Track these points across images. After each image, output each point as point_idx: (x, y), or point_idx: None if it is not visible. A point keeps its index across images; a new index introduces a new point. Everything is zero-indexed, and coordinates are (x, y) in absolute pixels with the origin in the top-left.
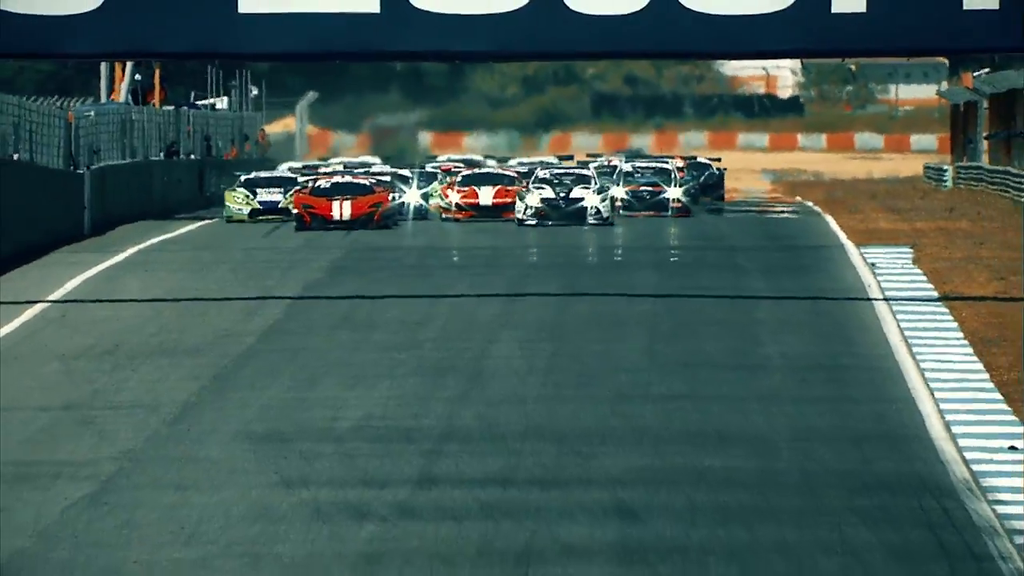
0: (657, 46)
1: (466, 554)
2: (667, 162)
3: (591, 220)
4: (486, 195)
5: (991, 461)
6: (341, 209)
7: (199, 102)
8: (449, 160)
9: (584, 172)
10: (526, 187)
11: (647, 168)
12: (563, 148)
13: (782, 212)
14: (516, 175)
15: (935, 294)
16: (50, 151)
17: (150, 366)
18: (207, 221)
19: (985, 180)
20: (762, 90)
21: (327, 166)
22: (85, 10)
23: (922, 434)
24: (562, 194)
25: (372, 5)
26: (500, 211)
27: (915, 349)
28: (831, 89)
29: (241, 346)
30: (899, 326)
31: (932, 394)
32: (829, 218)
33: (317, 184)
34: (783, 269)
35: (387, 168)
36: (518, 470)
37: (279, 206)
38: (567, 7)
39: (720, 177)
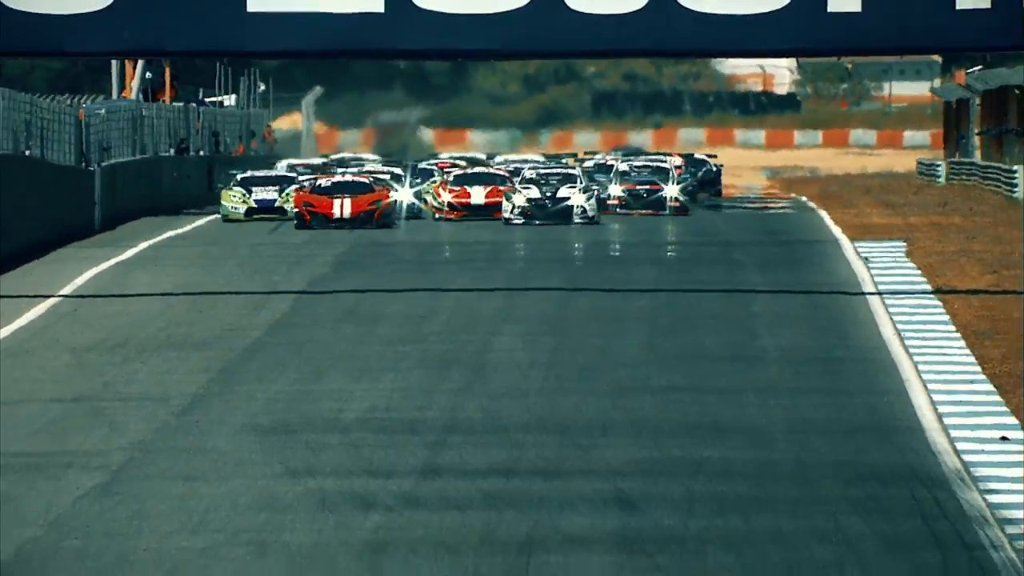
0: (656, 45)
1: (469, 543)
2: (664, 160)
3: (577, 219)
4: (478, 195)
5: (982, 452)
6: (342, 207)
7: (208, 99)
8: (451, 158)
9: (570, 171)
10: (513, 186)
11: (644, 167)
12: (564, 145)
13: (778, 208)
14: (508, 175)
15: (928, 287)
16: (61, 148)
17: (159, 359)
18: (215, 217)
19: (977, 176)
20: (759, 88)
21: (328, 162)
22: (95, 8)
23: (915, 425)
24: (548, 193)
25: (377, 5)
26: (492, 211)
27: (908, 342)
28: (826, 86)
29: (248, 339)
30: (892, 319)
31: (925, 386)
32: (824, 213)
33: (317, 183)
34: (779, 263)
35: (378, 167)
36: (520, 461)
37: (275, 205)
38: (568, 6)
39: (717, 173)
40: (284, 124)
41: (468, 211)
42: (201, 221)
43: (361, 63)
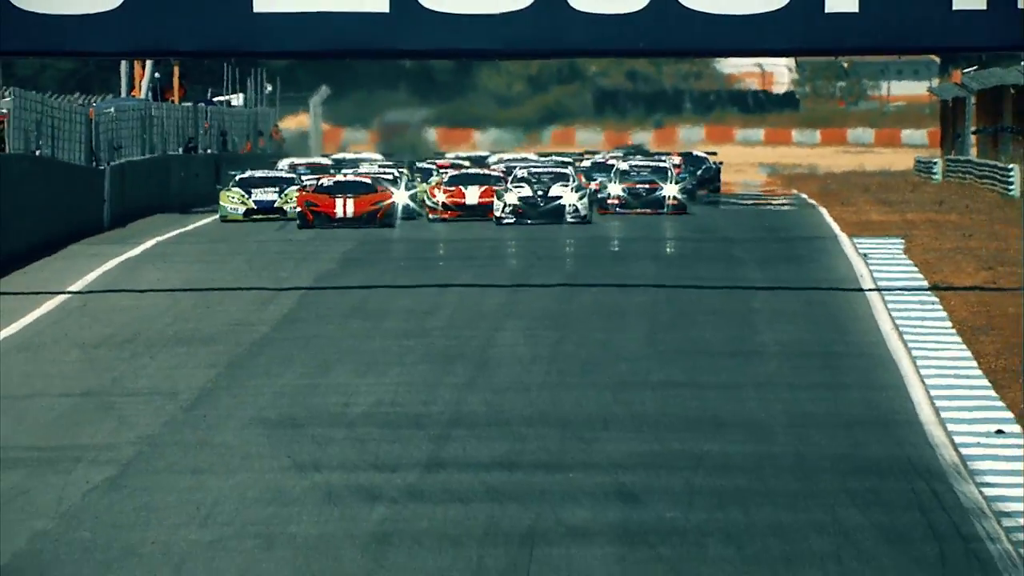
0: (657, 44)
1: (473, 535)
2: (663, 160)
3: (569, 218)
4: (472, 195)
5: (979, 445)
6: (344, 207)
7: (216, 99)
8: (457, 157)
9: (562, 170)
10: (505, 186)
11: (644, 166)
12: (566, 143)
13: (778, 204)
14: (502, 175)
15: (925, 284)
16: (72, 147)
17: (168, 354)
18: None
19: (973, 173)
20: (758, 87)
21: (330, 162)
22: (105, 9)
23: (912, 419)
24: (540, 192)
25: (382, 5)
26: (487, 211)
27: (906, 337)
28: (825, 85)
29: (256, 335)
30: (890, 315)
31: (922, 380)
32: (823, 210)
33: (320, 182)
34: (778, 260)
35: (374, 168)
36: (523, 454)
37: (274, 205)
38: (571, 7)
39: (716, 171)
40: (291, 124)
41: (463, 211)
42: (209, 219)
43: (367, 63)
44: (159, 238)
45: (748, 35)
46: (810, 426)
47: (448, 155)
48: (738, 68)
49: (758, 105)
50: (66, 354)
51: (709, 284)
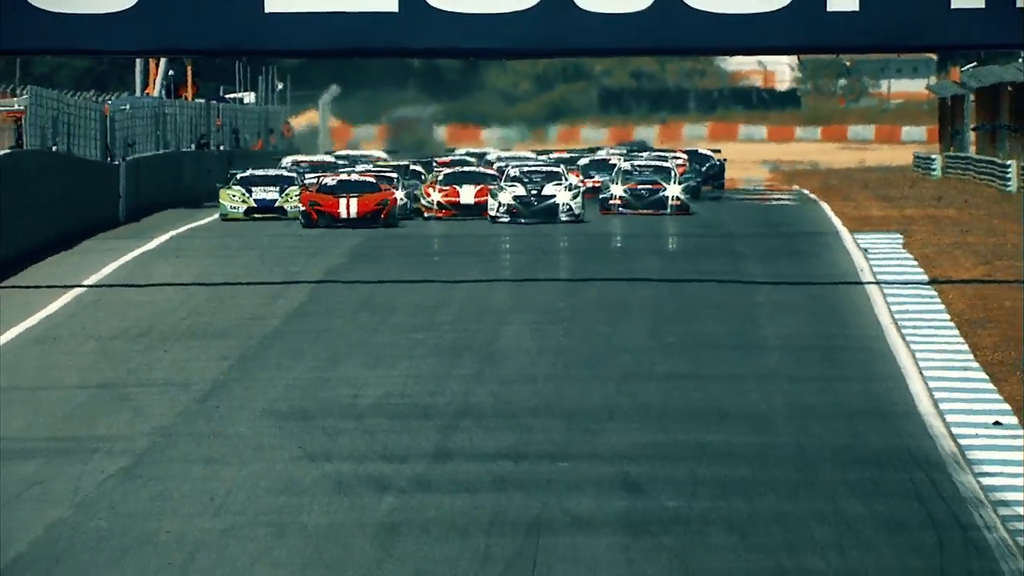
0: (662, 43)
1: (480, 524)
2: (666, 160)
3: (563, 217)
4: (467, 194)
5: (977, 436)
6: (348, 207)
7: (228, 96)
8: (468, 153)
9: (555, 169)
10: (498, 184)
11: (646, 166)
12: (571, 141)
13: (779, 200)
14: (498, 174)
15: (924, 278)
16: (87, 143)
17: (181, 347)
18: None
19: (972, 169)
20: (761, 84)
21: (335, 160)
22: (120, 9)
23: (911, 410)
24: (534, 191)
25: (391, 4)
26: (482, 210)
27: (905, 330)
28: (826, 83)
29: (267, 328)
30: (890, 308)
31: (921, 372)
32: (824, 205)
33: (324, 181)
34: (780, 254)
35: (370, 166)
36: (529, 445)
37: (275, 204)
38: (576, 6)
39: (721, 168)
40: (302, 121)
41: (458, 210)
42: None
43: (376, 62)
44: (173, 233)
45: (751, 34)
46: (811, 417)
47: (458, 151)
48: (741, 66)
49: (761, 103)
50: (82, 347)
51: (712, 278)
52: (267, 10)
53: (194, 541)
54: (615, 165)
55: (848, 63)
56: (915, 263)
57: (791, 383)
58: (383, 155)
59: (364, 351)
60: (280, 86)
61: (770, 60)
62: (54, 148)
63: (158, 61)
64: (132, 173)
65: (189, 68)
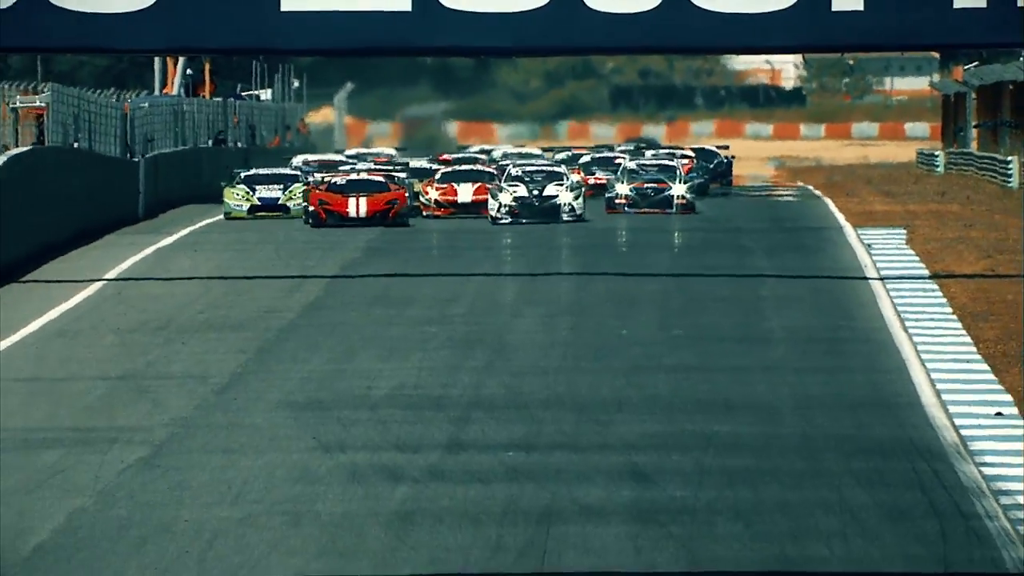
0: (670, 42)
1: (492, 513)
2: (671, 159)
3: (565, 217)
4: (465, 192)
5: (978, 426)
6: (357, 206)
7: (245, 94)
8: (481, 151)
9: (556, 169)
10: (498, 184)
11: (652, 165)
12: (581, 138)
13: (785, 196)
14: (497, 172)
15: (927, 272)
16: (107, 140)
17: (199, 340)
18: None
19: (974, 166)
20: (767, 82)
21: (344, 159)
22: (140, 8)
23: (914, 401)
24: (535, 191)
25: (404, 4)
26: (479, 208)
27: (908, 323)
28: (831, 81)
29: (283, 321)
30: (893, 302)
31: (923, 364)
32: (828, 201)
33: (333, 180)
34: (785, 249)
35: (371, 165)
36: (540, 436)
37: (278, 202)
38: (586, 5)
39: (728, 165)
40: (317, 118)
41: (455, 208)
42: None
43: (389, 60)
44: (191, 228)
45: (757, 33)
46: (816, 408)
47: (471, 148)
48: (748, 65)
49: (767, 100)
50: (102, 339)
51: (719, 272)
52: (283, 9)
53: (212, 529)
54: (619, 162)
55: (852, 62)
56: (918, 258)
57: (796, 375)
58: (393, 152)
59: (378, 344)
60: (296, 84)
61: (776, 59)
62: (75, 145)
63: (176, 60)
64: (151, 169)
65: (207, 66)
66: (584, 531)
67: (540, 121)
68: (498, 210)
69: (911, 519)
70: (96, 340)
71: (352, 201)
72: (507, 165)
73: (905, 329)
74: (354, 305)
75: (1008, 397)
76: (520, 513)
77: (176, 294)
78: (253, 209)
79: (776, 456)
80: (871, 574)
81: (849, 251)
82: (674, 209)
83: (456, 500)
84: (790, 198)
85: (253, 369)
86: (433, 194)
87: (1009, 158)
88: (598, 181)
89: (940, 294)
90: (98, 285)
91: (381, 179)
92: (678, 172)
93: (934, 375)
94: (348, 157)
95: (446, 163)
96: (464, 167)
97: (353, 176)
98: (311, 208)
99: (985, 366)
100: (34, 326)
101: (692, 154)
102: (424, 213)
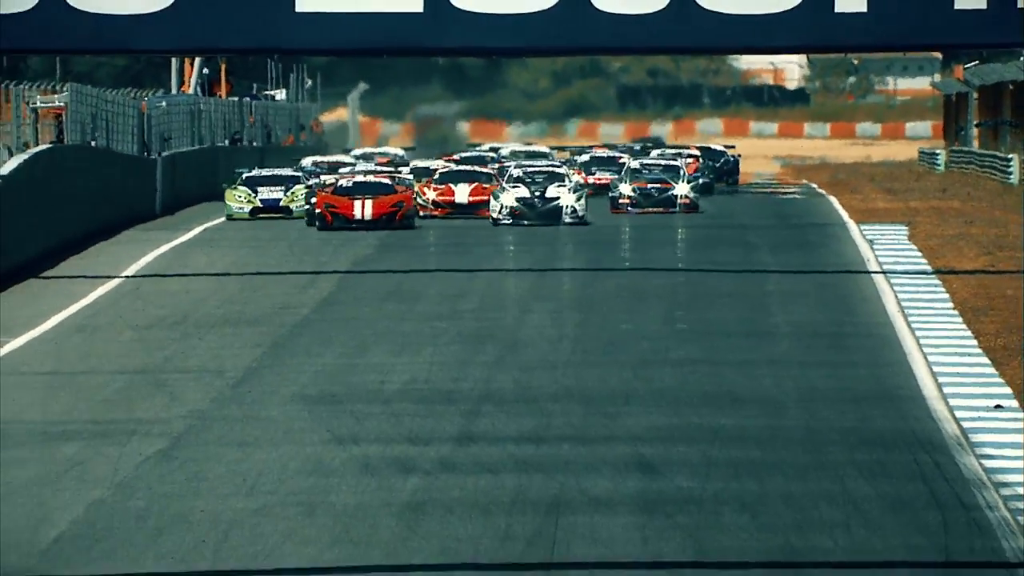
0: (676, 42)
1: (501, 504)
2: (675, 158)
3: (567, 219)
4: (462, 192)
5: (979, 419)
6: (363, 209)
7: (260, 94)
8: (491, 149)
9: (558, 170)
10: (499, 186)
11: (655, 164)
12: (590, 136)
13: (790, 193)
14: (494, 172)
15: (928, 268)
16: (125, 138)
17: (215, 335)
18: None
19: (975, 164)
20: (771, 82)
21: (351, 161)
22: (156, 9)
23: (916, 394)
24: (537, 193)
25: (416, 5)
26: (476, 209)
27: (910, 318)
28: (834, 81)
29: (297, 316)
30: (896, 297)
31: (925, 358)
32: (832, 199)
33: (339, 183)
34: (790, 245)
35: (371, 166)
36: (549, 429)
37: (280, 204)
38: (594, 7)
39: (735, 164)
40: (331, 117)
41: (452, 209)
42: None
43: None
44: (207, 225)
45: (762, 34)
46: (820, 401)
47: (482, 147)
48: (753, 65)
49: (771, 100)
50: (120, 334)
51: (725, 268)
52: (297, 10)
53: (227, 520)
54: (622, 162)
55: (856, 62)
56: (920, 253)
57: (801, 368)
58: (396, 152)
59: (390, 339)
60: (310, 83)
61: (780, 59)
62: (93, 143)
63: (193, 60)
64: (168, 168)
65: (223, 67)
66: (592, 521)
67: (549, 120)
68: (499, 212)
69: (913, 510)
70: (114, 335)
71: (358, 204)
72: (509, 166)
73: (908, 323)
74: (366, 301)
75: (1008, 390)
76: (529, 504)
77: (192, 290)
78: (255, 211)
79: (781, 448)
80: (874, 564)
81: (852, 247)
82: (677, 208)
83: (466, 491)
84: (795, 195)
85: (268, 363)
86: (431, 194)
87: (1010, 156)
88: (598, 181)
89: (942, 289)
90: (116, 281)
91: (387, 181)
92: (682, 171)
93: (935, 368)
94: (354, 157)
95: (455, 162)
96: (463, 167)
97: (359, 178)
98: (317, 211)
99: (985, 360)
100: (53, 321)
101: (697, 153)
102: (421, 213)
